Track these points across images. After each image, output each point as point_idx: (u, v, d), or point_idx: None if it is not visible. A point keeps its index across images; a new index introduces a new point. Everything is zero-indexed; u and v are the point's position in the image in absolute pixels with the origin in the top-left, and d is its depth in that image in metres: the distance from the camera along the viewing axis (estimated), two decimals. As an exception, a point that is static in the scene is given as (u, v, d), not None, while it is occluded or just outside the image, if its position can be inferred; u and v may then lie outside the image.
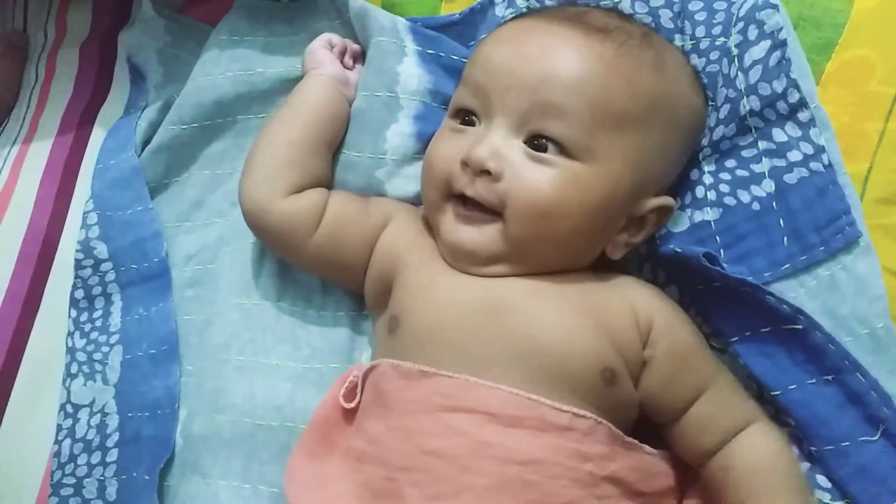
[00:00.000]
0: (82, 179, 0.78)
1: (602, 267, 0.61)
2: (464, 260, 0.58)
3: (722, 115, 0.62)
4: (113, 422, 0.69)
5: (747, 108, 0.60)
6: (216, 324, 0.68)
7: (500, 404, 0.52)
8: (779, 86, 0.59)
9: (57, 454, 0.69)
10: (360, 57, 0.72)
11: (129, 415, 0.69)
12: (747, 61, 0.61)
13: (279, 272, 0.68)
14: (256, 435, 0.63)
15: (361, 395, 0.59)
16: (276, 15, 0.77)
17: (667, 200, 0.60)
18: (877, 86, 0.61)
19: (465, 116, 0.60)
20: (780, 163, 0.60)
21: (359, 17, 0.71)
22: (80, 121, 0.82)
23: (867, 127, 0.60)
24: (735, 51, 0.62)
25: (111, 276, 0.73)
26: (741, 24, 0.62)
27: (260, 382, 0.64)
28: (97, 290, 0.74)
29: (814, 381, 0.56)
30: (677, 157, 0.62)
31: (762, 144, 0.61)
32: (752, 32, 0.61)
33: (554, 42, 0.57)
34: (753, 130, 0.61)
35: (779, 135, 0.60)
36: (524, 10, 0.70)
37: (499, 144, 0.56)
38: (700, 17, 0.65)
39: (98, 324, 0.73)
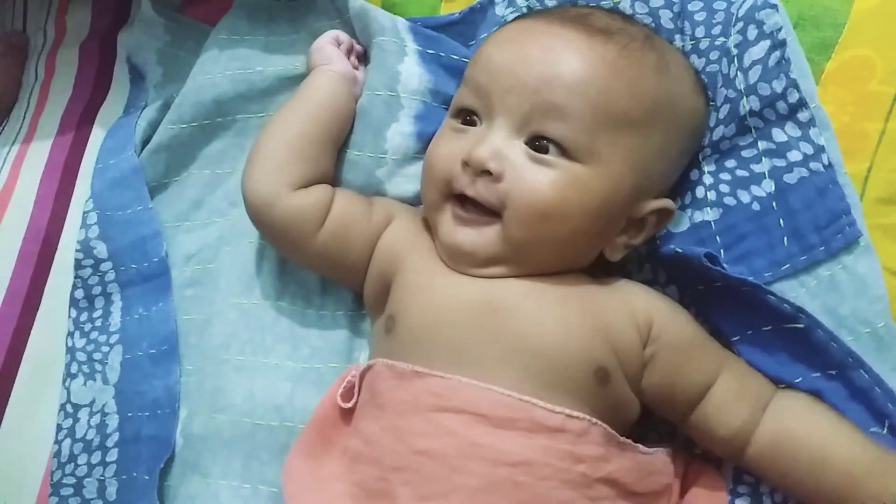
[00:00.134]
0: (82, 179, 0.78)
1: (601, 268, 0.62)
2: (462, 261, 0.58)
3: (722, 115, 0.62)
4: (113, 422, 0.69)
5: (747, 108, 0.60)
6: (216, 323, 0.68)
7: (490, 405, 0.52)
8: (778, 86, 0.59)
9: (57, 454, 0.69)
10: (363, 58, 0.72)
11: (129, 415, 0.69)
12: (747, 61, 0.61)
13: (278, 272, 0.68)
14: (256, 435, 0.63)
15: (358, 395, 0.59)
16: (276, 14, 0.77)
17: (666, 203, 0.60)
18: (877, 85, 0.61)
19: (467, 116, 0.60)
20: (780, 163, 0.60)
21: (359, 18, 0.71)
22: (79, 120, 0.82)
23: (867, 127, 0.60)
24: (734, 51, 0.62)
25: (111, 275, 0.73)
26: (741, 24, 0.62)
27: (259, 382, 0.64)
28: (97, 289, 0.74)
29: (818, 375, 0.57)
30: (678, 159, 0.62)
31: (762, 144, 0.61)
32: (752, 32, 0.61)
33: (556, 43, 0.57)
34: (753, 130, 0.61)
35: (779, 135, 0.60)
36: (524, 9, 0.70)
37: (500, 145, 0.56)
38: (700, 17, 0.65)
39: (98, 323, 0.73)
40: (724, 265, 0.58)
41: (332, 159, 0.67)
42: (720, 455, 0.59)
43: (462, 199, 0.58)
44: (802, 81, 0.59)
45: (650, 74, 0.57)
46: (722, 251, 0.60)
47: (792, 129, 0.60)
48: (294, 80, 0.73)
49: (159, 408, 0.68)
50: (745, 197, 0.61)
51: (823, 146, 0.58)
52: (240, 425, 0.63)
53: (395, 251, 0.62)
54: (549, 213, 0.55)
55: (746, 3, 0.63)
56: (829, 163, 0.58)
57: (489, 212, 0.57)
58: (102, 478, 0.68)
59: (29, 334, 0.74)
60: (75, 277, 0.74)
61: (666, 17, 0.65)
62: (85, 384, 0.71)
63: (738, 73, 0.61)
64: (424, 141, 0.67)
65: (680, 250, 0.59)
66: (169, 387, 0.68)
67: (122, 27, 0.87)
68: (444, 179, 0.59)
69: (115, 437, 0.69)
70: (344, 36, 0.71)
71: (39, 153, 0.81)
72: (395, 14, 0.72)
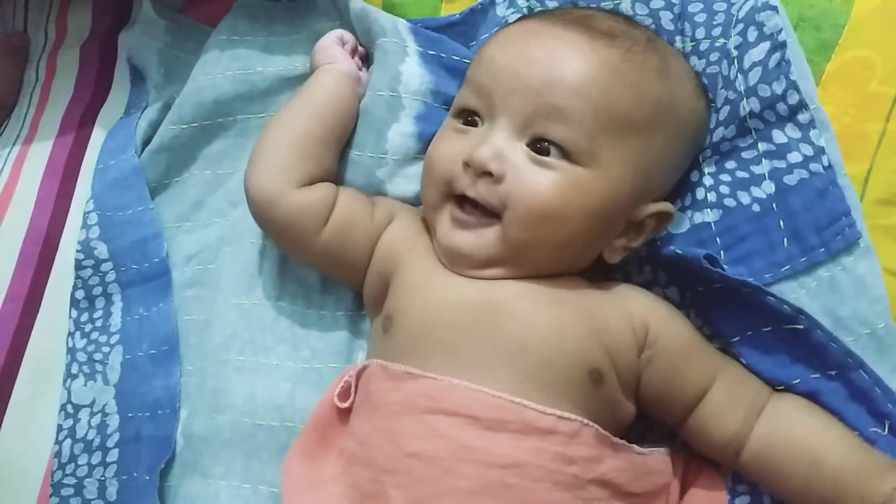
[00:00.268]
0: (83, 180, 0.78)
1: (600, 270, 0.62)
2: (459, 263, 0.58)
3: (722, 116, 0.62)
4: (113, 422, 0.69)
5: (747, 109, 0.60)
6: (216, 324, 0.68)
7: (482, 407, 0.52)
8: (778, 87, 0.59)
9: (57, 454, 0.69)
10: (366, 59, 0.72)
11: (130, 415, 0.69)
12: (747, 63, 0.61)
13: (279, 272, 0.68)
14: (256, 435, 0.63)
15: (355, 395, 0.59)
16: (277, 15, 0.77)
17: (666, 206, 0.60)
18: (877, 86, 0.61)
19: (468, 117, 0.60)
20: (780, 164, 0.60)
21: (360, 19, 0.71)
22: (80, 121, 0.82)
23: (867, 128, 0.60)
24: (735, 52, 0.62)
25: (111, 276, 0.73)
26: (741, 26, 0.62)
27: (260, 382, 0.64)
28: (98, 290, 0.74)
29: (817, 375, 0.57)
30: (679, 163, 0.62)
31: (762, 146, 0.61)
32: (752, 34, 0.61)
33: (559, 46, 0.57)
34: (753, 132, 0.61)
35: (779, 136, 0.60)
36: (525, 10, 0.70)
37: (501, 146, 0.56)
38: (700, 18, 0.65)
39: (98, 324, 0.73)
40: (724, 266, 0.58)
41: (336, 158, 0.67)
42: (716, 459, 0.59)
43: (461, 201, 0.58)
44: (802, 83, 0.59)
45: (652, 78, 0.57)
46: (722, 252, 0.60)
47: (792, 131, 0.60)
48: (294, 81, 0.74)
49: (160, 408, 0.68)
50: (745, 198, 0.61)
51: (823, 147, 0.59)
52: (240, 425, 0.63)
53: (394, 250, 0.62)
54: (549, 215, 0.55)
55: (747, 4, 0.63)
56: (829, 164, 0.58)
57: (489, 213, 0.57)
58: (103, 478, 0.68)
59: (30, 335, 0.74)
60: (76, 278, 0.74)
61: (666, 19, 0.66)
62: (85, 384, 0.71)
63: (739, 74, 0.61)
64: (425, 141, 0.67)
65: (680, 252, 0.59)
66: (169, 387, 0.68)
67: (123, 28, 0.87)
68: (444, 179, 0.59)
69: (116, 437, 0.69)
70: (348, 36, 0.71)
71: (40, 154, 0.81)
72: (395, 15, 0.72)
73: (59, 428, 0.70)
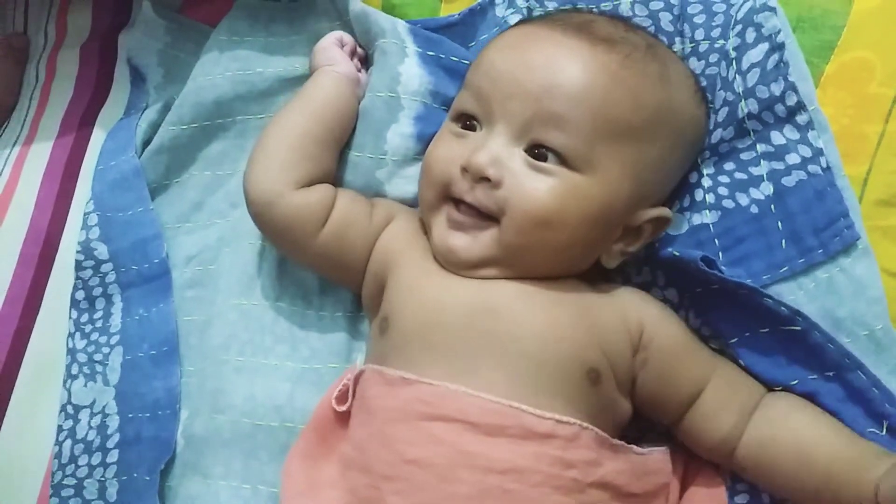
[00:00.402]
0: (83, 180, 0.78)
1: (598, 271, 0.62)
2: (455, 264, 0.58)
3: (720, 118, 0.62)
4: (113, 423, 0.69)
5: (745, 111, 0.60)
6: (216, 324, 0.68)
7: (480, 413, 0.52)
8: (777, 89, 0.59)
9: (58, 455, 0.69)
10: (365, 61, 0.72)
11: (130, 416, 0.69)
12: (745, 64, 0.61)
13: (278, 273, 0.68)
14: (256, 435, 0.63)
15: (352, 398, 0.59)
16: (276, 15, 0.77)
17: (663, 212, 0.60)
18: (876, 87, 0.61)
19: (467, 121, 0.60)
20: (779, 166, 0.60)
21: (359, 20, 0.71)
22: (80, 122, 0.82)
23: (866, 129, 0.60)
24: (733, 54, 0.62)
25: (112, 277, 0.73)
26: (739, 27, 0.62)
27: (260, 383, 0.65)
28: (98, 291, 0.74)
29: (815, 377, 0.57)
30: (677, 168, 0.62)
31: (760, 147, 0.61)
32: (750, 35, 0.61)
33: (558, 52, 0.57)
34: (752, 133, 0.61)
35: (777, 138, 0.60)
36: (524, 10, 0.70)
37: (499, 152, 0.56)
38: (699, 20, 0.65)
39: (98, 325, 0.73)
40: (722, 268, 0.58)
41: (335, 159, 0.67)
42: (711, 459, 0.59)
43: (458, 202, 0.58)
44: (801, 84, 0.59)
45: (652, 85, 0.57)
46: (720, 254, 0.60)
47: (790, 132, 0.60)
48: (294, 82, 0.74)
49: (160, 409, 0.68)
50: (743, 200, 0.61)
51: (822, 149, 0.59)
52: (240, 426, 0.64)
53: (390, 250, 0.63)
54: (547, 221, 0.55)
55: (745, 5, 0.63)
56: (828, 165, 0.58)
57: (485, 216, 0.57)
58: (103, 479, 0.68)
59: (30, 335, 0.74)
60: (76, 279, 0.74)
61: (665, 20, 0.66)
62: (85, 385, 0.71)
63: (737, 75, 0.61)
64: (424, 142, 0.67)
65: (677, 253, 0.59)
66: (170, 388, 0.68)
67: (123, 28, 0.87)
68: (441, 182, 0.59)
69: (116, 438, 0.69)
70: (347, 37, 0.71)
71: (40, 155, 0.81)
72: (395, 16, 0.72)
73: (60, 429, 0.70)
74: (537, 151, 0.56)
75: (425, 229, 0.63)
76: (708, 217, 0.62)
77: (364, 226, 0.64)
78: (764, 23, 0.61)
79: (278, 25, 0.77)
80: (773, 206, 0.59)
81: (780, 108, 0.60)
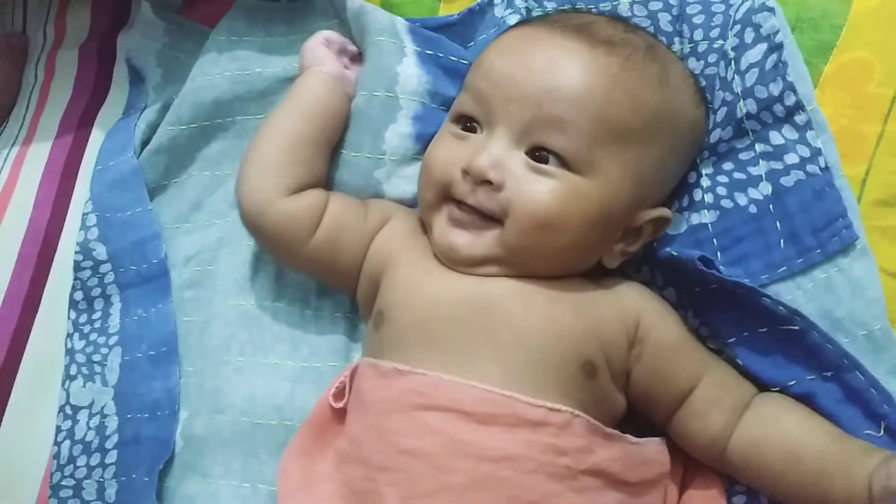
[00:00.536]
0: (81, 180, 0.78)
1: (599, 268, 0.61)
2: (456, 260, 0.58)
3: (719, 118, 0.62)
4: (112, 423, 0.69)
5: (744, 111, 0.60)
6: (215, 325, 0.68)
7: (473, 402, 0.52)
8: (775, 89, 0.59)
9: (56, 456, 0.69)
10: (357, 58, 0.72)
11: (129, 416, 0.69)
12: (744, 64, 0.61)
13: (276, 274, 0.68)
14: (256, 434, 0.63)
15: (349, 395, 0.60)
16: (275, 15, 0.77)
17: (664, 212, 0.60)
18: (875, 88, 0.61)
19: (467, 123, 0.60)
20: (777, 165, 0.60)
21: (356, 17, 0.71)
22: (79, 122, 0.82)
23: (865, 129, 0.60)
24: (732, 54, 0.62)
25: (110, 277, 0.73)
26: (738, 28, 0.62)
27: (259, 382, 0.65)
28: (96, 291, 0.74)
29: (813, 377, 0.57)
30: (676, 169, 0.62)
31: (759, 147, 0.61)
32: (749, 35, 0.61)
33: (558, 54, 0.57)
34: (750, 133, 0.61)
35: (776, 137, 0.60)
36: (523, 10, 0.70)
37: (500, 154, 0.56)
38: (698, 20, 0.65)
39: (97, 325, 0.73)
40: (720, 268, 0.58)
41: (326, 161, 0.67)
42: (700, 460, 0.59)
43: (459, 202, 0.58)
44: (799, 84, 0.59)
45: (652, 86, 0.58)
46: (719, 253, 0.61)
47: (789, 132, 0.60)
48: (293, 82, 0.73)
49: (159, 409, 0.68)
50: (742, 199, 0.61)
51: (820, 149, 0.59)
52: (239, 425, 0.63)
53: (386, 251, 0.63)
54: (550, 223, 0.56)
55: (744, 6, 0.63)
56: (826, 165, 0.58)
57: (487, 217, 0.57)
58: (102, 479, 0.68)
59: (28, 336, 0.73)
60: (74, 279, 0.74)
61: (665, 21, 0.66)
62: (84, 386, 0.71)
63: (736, 76, 0.61)
64: (423, 142, 0.67)
65: (675, 253, 0.59)
66: (169, 388, 0.68)
67: (122, 29, 0.87)
68: (442, 184, 0.59)
69: (115, 438, 0.69)
70: (335, 36, 0.71)
71: (39, 155, 0.81)
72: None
73: (58, 429, 0.70)
74: (538, 154, 0.56)
75: (424, 229, 0.63)
76: (706, 217, 0.62)
77: (357, 229, 0.64)
78: (762, 23, 0.61)
79: (277, 25, 0.77)
80: (771, 206, 0.60)
81: (778, 108, 0.60)
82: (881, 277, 0.57)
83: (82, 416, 0.70)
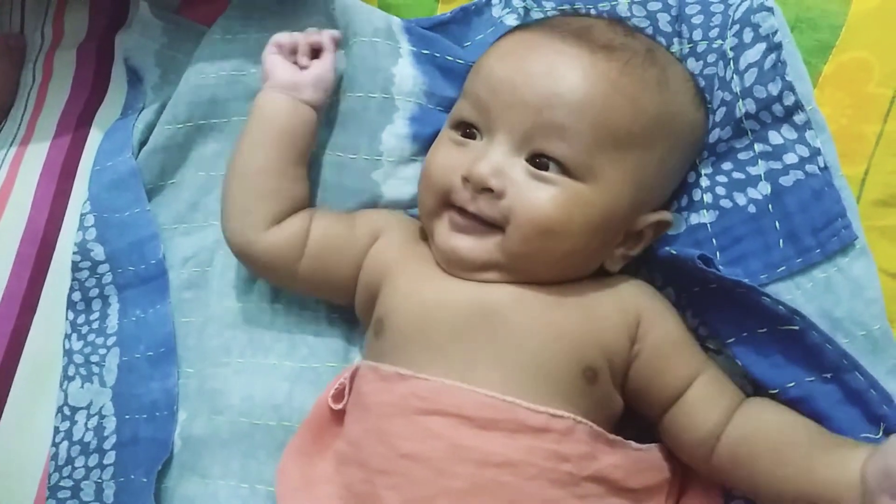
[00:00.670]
0: (80, 181, 0.78)
1: (600, 269, 0.61)
2: (457, 265, 0.58)
3: (718, 117, 0.62)
4: (110, 424, 0.69)
5: (743, 110, 0.60)
6: (213, 326, 0.68)
7: (475, 407, 0.52)
8: (774, 88, 0.59)
9: (54, 457, 0.69)
10: (337, 41, 0.68)
11: (127, 417, 0.69)
12: (742, 64, 0.61)
13: (274, 275, 0.68)
14: (254, 435, 0.63)
15: (348, 396, 0.60)
16: (269, 13, 0.77)
17: (664, 215, 0.60)
18: (874, 87, 0.61)
19: (466, 129, 0.60)
20: (776, 165, 0.60)
21: (343, 14, 0.70)
22: (77, 122, 0.82)
23: (864, 129, 0.60)
24: (731, 54, 0.62)
25: (108, 277, 0.73)
26: (736, 27, 0.62)
27: (258, 383, 0.65)
28: (94, 291, 0.73)
29: (812, 378, 0.56)
30: (677, 172, 0.62)
31: (758, 147, 0.61)
32: (748, 35, 0.61)
33: (557, 60, 0.57)
34: (749, 133, 0.61)
35: (775, 137, 0.60)
36: (521, 10, 0.70)
37: (500, 162, 0.56)
38: (697, 20, 0.65)
39: (95, 326, 0.73)
40: (719, 267, 0.58)
41: (302, 180, 0.65)
42: (688, 461, 0.59)
43: (460, 209, 0.58)
44: (798, 84, 0.59)
45: (652, 91, 0.57)
46: (718, 253, 0.60)
47: (788, 132, 0.60)
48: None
49: (157, 410, 0.68)
50: (741, 199, 0.61)
51: (819, 149, 0.59)
52: (238, 425, 0.64)
53: (383, 263, 0.62)
54: (551, 230, 0.55)
55: (743, 6, 0.63)
56: (825, 165, 0.58)
57: (488, 223, 0.57)
58: (100, 480, 0.68)
59: (26, 336, 0.73)
60: (72, 279, 0.74)
61: (664, 21, 0.66)
62: (82, 386, 0.71)
63: (735, 75, 0.61)
64: (420, 143, 0.67)
65: (674, 252, 0.59)
66: (167, 389, 0.68)
67: (120, 29, 0.87)
68: (442, 190, 0.59)
69: (113, 439, 0.69)
70: (285, 37, 0.67)
71: (37, 155, 0.81)
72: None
73: (56, 430, 0.70)
74: (538, 161, 0.56)
75: (421, 236, 0.63)
76: (706, 217, 0.62)
77: (345, 247, 0.63)
78: (761, 23, 0.61)
79: (271, 22, 0.76)
80: (770, 206, 0.59)
81: (777, 108, 0.60)
82: (880, 277, 0.57)
83: (80, 416, 0.70)
